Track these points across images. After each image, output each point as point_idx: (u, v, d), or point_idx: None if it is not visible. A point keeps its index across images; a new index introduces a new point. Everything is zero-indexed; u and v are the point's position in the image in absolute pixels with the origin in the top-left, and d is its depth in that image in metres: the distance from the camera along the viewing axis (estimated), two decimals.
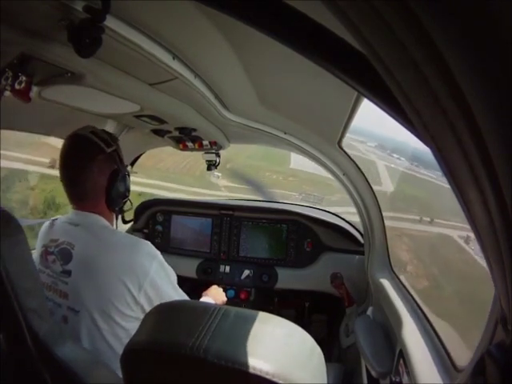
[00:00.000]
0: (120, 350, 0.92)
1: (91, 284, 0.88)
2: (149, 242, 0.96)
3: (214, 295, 1.38)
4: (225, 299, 1.43)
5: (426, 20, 0.21)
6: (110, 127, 1.52)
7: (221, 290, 1.45)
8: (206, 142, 1.48)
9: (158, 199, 2.11)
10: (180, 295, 0.99)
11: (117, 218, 1.11)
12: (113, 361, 0.85)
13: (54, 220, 1.03)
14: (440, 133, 0.29)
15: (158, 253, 0.95)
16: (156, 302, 0.91)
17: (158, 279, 0.92)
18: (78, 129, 0.97)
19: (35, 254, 0.99)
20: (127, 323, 0.90)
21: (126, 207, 1.14)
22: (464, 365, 0.76)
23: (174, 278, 0.99)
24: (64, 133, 0.99)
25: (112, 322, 0.88)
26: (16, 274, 0.74)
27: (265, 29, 0.37)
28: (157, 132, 1.34)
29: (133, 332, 0.87)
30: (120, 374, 0.53)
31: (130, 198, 1.11)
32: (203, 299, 1.34)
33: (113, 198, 0.99)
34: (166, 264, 0.97)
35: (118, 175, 0.99)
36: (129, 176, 1.06)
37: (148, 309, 0.91)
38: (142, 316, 0.90)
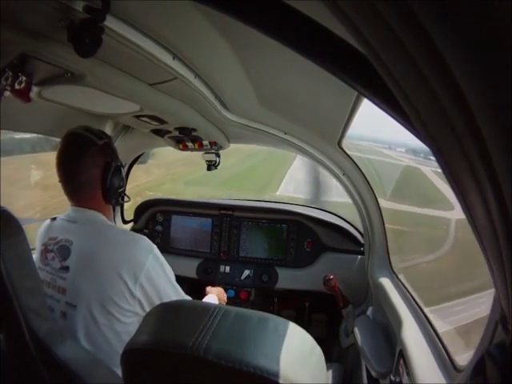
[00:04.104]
0: (118, 345, 0.92)
1: (89, 279, 0.89)
2: (145, 237, 0.97)
3: (219, 293, 1.43)
4: (225, 300, 1.45)
5: (426, 20, 0.21)
6: (109, 127, 1.52)
7: (223, 290, 1.48)
8: (205, 142, 1.48)
9: (157, 199, 2.11)
10: (176, 290, 1.00)
11: (114, 211, 1.12)
12: (111, 356, 0.85)
13: (53, 219, 1.04)
14: (440, 133, 0.29)
15: (155, 247, 0.97)
16: (152, 296, 0.92)
17: (153, 272, 0.93)
18: (72, 128, 1.00)
19: (35, 253, 0.99)
20: (125, 318, 0.91)
21: (123, 200, 1.16)
22: (464, 365, 0.76)
23: (171, 272, 1.00)
24: (64, 133, 1.00)
25: (110, 317, 0.89)
26: (16, 273, 0.75)
27: (264, 29, 0.37)
28: (157, 132, 1.34)
29: (131, 327, 0.87)
30: (118, 371, 0.53)
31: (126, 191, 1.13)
32: (208, 297, 1.37)
33: (108, 190, 1.00)
34: (162, 258, 0.98)
35: (112, 167, 1.01)
36: (123, 168, 1.08)
37: (145, 302, 0.92)
38: (139, 310, 0.92)
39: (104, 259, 0.90)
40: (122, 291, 0.89)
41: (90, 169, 0.97)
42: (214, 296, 1.39)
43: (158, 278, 0.94)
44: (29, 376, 0.82)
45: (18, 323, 0.76)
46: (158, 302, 0.88)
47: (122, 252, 0.91)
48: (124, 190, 1.12)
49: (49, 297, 0.92)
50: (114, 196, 1.04)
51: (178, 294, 1.00)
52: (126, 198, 1.19)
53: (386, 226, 1.40)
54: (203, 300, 1.34)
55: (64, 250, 0.94)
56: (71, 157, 0.97)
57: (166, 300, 0.93)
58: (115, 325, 0.90)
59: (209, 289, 1.47)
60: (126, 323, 0.91)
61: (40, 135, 1.54)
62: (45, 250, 0.97)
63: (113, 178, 1.01)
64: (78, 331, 0.88)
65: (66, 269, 0.92)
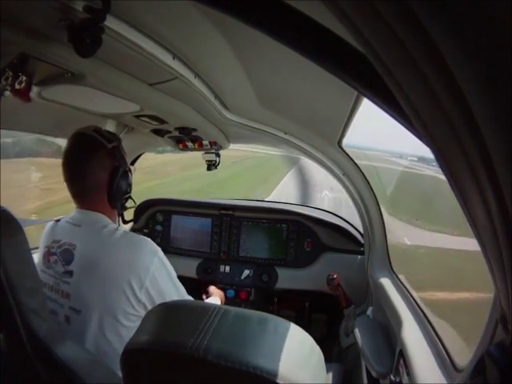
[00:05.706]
0: (121, 348, 0.92)
1: (93, 284, 0.88)
2: (149, 239, 0.96)
3: (220, 294, 1.42)
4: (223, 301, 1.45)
5: (426, 20, 0.21)
6: (109, 127, 1.52)
7: (222, 292, 1.48)
8: (205, 142, 1.48)
9: (157, 199, 2.10)
10: (180, 292, 1.00)
11: (119, 216, 1.11)
12: (114, 359, 0.85)
13: (57, 220, 1.03)
14: (440, 133, 0.29)
15: (159, 249, 0.96)
16: (157, 300, 0.91)
17: (158, 276, 0.92)
18: (80, 128, 0.98)
19: (38, 255, 0.99)
20: (130, 322, 0.90)
21: (128, 205, 1.14)
22: (464, 365, 0.76)
23: (174, 275, 0.99)
24: (64, 133, 1.00)
25: (115, 322, 0.89)
26: (16, 274, 0.74)
27: (265, 29, 0.37)
28: (157, 132, 1.34)
29: (135, 330, 0.87)
30: (120, 372, 0.53)
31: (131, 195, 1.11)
32: (211, 299, 1.36)
33: (114, 195, 0.99)
34: (166, 260, 0.97)
35: (120, 171, 0.99)
36: (131, 173, 1.06)
37: (149, 306, 0.91)
38: (144, 314, 0.90)
39: (108, 264, 0.88)
40: (128, 296, 0.88)
41: (98, 172, 0.95)
42: (217, 297, 1.39)
43: (162, 281, 0.93)
44: (28, 376, 0.82)
45: (17, 323, 0.76)
46: None
47: (127, 257, 0.90)
48: (130, 195, 1.10)
49: (52, 300, 0.91)
50: (119, 201, 1.02)
51: (179, 294, 0.99)
52: (131, 203, 1.16)
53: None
54: (206, 301, 1.34)
55: (67, 254, 0.92)
56: (78, 158, 0.95)
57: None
58: (119, 329, 0.89)
59: (210, 290, 1.46)
60: (130, 327, 0.90)
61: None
62: (47, 253, 0.96)
63: (120, 183, 0.99)
64: (81, 336, 0.88)
65: (69, 273, 0.91)
